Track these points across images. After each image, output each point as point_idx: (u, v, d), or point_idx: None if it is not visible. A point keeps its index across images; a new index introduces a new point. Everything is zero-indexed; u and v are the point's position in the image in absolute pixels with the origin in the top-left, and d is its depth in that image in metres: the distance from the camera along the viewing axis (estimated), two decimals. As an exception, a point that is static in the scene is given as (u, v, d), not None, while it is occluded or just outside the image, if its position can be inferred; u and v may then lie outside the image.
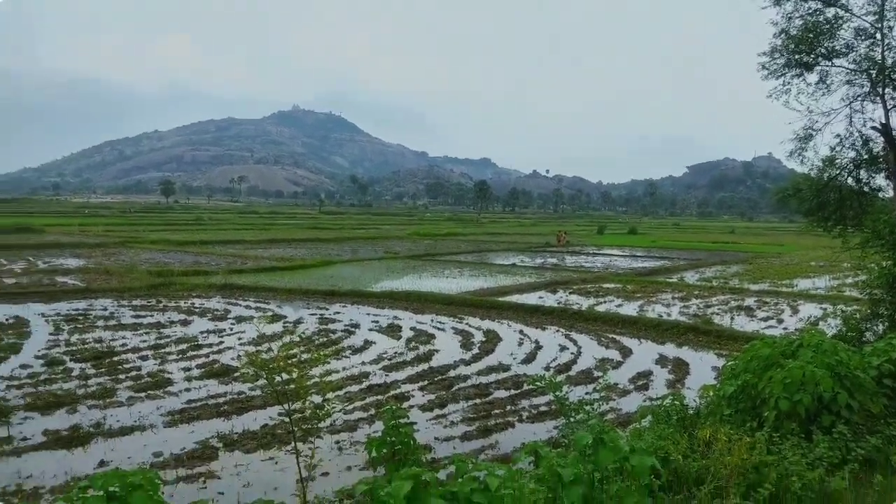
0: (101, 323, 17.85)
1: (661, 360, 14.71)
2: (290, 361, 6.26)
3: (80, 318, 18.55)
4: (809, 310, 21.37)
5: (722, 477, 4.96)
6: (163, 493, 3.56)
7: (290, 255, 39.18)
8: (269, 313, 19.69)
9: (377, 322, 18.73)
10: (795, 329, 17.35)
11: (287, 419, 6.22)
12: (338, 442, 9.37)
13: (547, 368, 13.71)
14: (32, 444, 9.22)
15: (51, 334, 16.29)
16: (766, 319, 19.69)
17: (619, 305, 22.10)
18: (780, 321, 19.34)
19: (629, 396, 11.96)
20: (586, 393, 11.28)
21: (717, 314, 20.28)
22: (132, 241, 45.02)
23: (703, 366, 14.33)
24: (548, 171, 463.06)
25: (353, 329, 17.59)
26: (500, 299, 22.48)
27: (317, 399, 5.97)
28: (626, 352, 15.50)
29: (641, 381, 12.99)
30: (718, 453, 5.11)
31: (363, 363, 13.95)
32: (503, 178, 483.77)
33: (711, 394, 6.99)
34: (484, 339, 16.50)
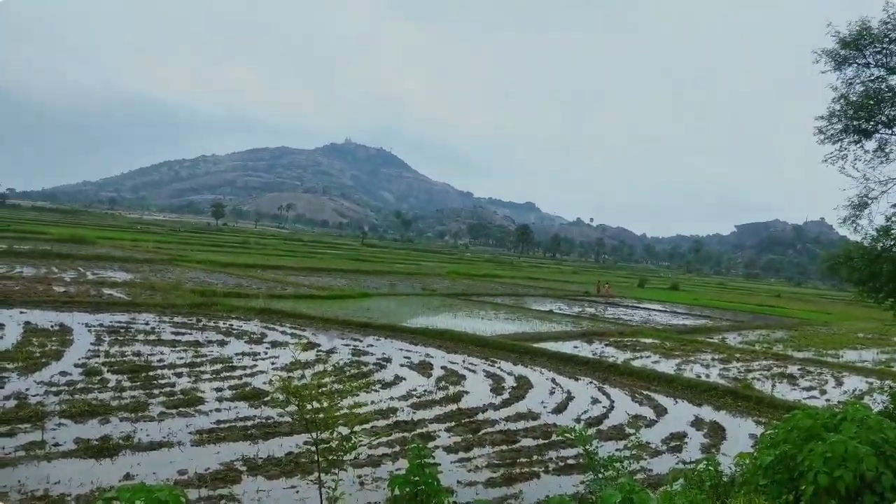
0: (141, 337, 18.23)
1: (697, 423, 14.29)
2: (321, 390, 6.28)
3: (122, 330, 18.97)
4: (854, 383, 20.57)
5: (754, 551, 4.74)
6: (184, 511, 3.58)
7: (330, 284, 39.58)
8: (304, 340, 19.86)
9: (409, 358, 18.70)
10: (839, 402, 16.71)
11: (313, 448, 6.20)
12: (360, 476, 9.30)
13: (578, 420, 13.44)
14: (63, 451, 9.38)
15: (92, 344, 16.69)
16: (808, 389, 19.02)
17: (656, 362, 21.65)
18: (824, 392, 18.66)
19: (661, 457, 11.61)
20: (617, 449, 10.99)
21: (758, 379, 19.67)
22: (179, 259, 46.13)
23: (741, 432, 13.86)
24: (591, 220, 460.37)
25: (384, 363, 17.58)
26: (535, 345, 22.25)
27: (344, 431, 5.95)
28: (660, 410, 15.11)
29: (675, 442, 12.61)
30: (751, 525, 4.90)
31: (392, 398, 13.90)
32: (546, 224, 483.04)
33: (747, 462, 6.74)
34: (515, 385, 16.30)
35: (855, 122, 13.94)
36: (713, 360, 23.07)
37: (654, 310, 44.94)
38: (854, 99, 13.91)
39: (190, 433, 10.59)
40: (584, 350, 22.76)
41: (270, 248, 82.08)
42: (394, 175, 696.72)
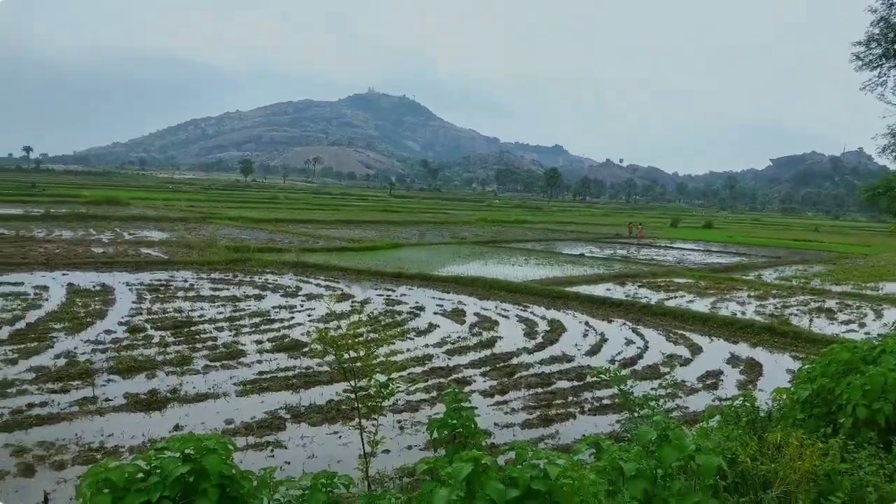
0: (181, 294, 18.67)
1: (733, 360, 14.28)
2: (357, 340, 6.40)
3: (162, 288, 19.45)
4: (894, 315, 20.24)
5: (791, 482, 4.79)
6: (233, 458, 3.72)
7: (360, 236, 39.88)
8: (339, 292, 20.15)
9: (442, 306, 18.89)
10: (878, 335, 16.49)
11: (353, 395, 6.36)
12: (399, 421, 9.54)
13: (612, 361, 13.52)
14: (114, 406, 9.77)
15: (133, 303, 17.16)
16: (847, 323, 18.79)
17: (691, 301, 21.56)
18: (863, 325, 18.43)
19: (697, 395, 11.67)
20: (652, 389, 11.04)
21: (796, 315, 19.49)
22: (212, 217, 46.78)
23: (778, 368, 13.82)
24: (621, 161, 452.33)
25: (418, 312, 17.79)
26: (567, 289, 22.28)
27: (381, 378, 6.09)
28: (695, 349, 15.11)
29: (711, 380, 12.64)
30: (789, 458, 4.94)
31: (427, 346, 14.11)
32: (575, 167, 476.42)
33: (784, 397, 6.74)
34: (548, 329, 16.40)
35: (895, 46, 13.33)
36: (749, 297, 22.87)
37: (687, 249, 44.47)
38: (895, 21, 13.27)
39: (234, 384, 10.92)
40: (617, 292, 22.71)
41: (300, 202, 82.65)
42: (418, 123, 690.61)
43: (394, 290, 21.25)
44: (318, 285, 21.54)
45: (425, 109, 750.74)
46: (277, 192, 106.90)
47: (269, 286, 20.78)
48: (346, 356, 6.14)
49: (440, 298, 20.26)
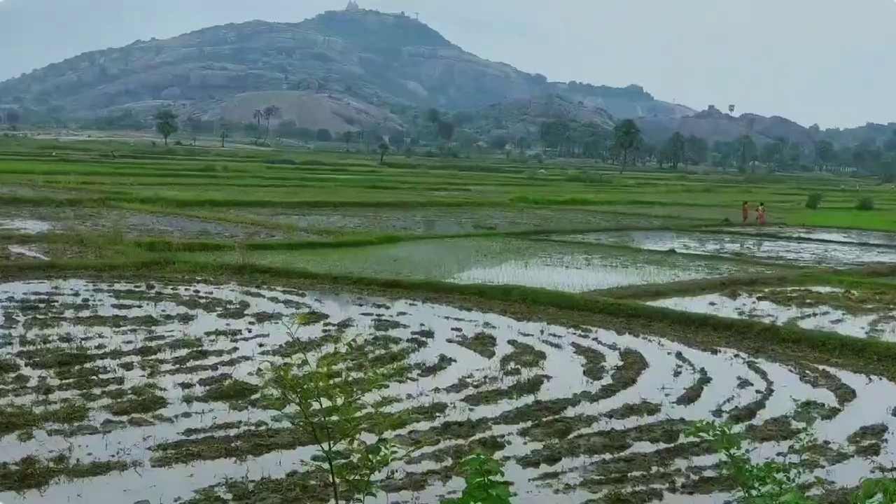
0: (70, 314, 18.84)
1: (903, 410, 14.19)
2: (333, 382, 6.41)
3: (42, 305, 19.62)
4: None
5: None
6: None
7: (338, 225, 40.04)
8: (305, 310, 20.24)
9: (460, 329, 18.93)
10: None
11: (326, 465, 6.38)
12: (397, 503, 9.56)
13: (718, 413, 13.49)
14: (-29, 481, 9.83)
15: (0, 327, 17.31)
16: None
17: (838, 321, 21.50)
18: None
19: (848, 463, 11.61)
20: (779, 453, 11.03)
21: None
22: (116, 199, 47.18)
23: (973, 422, 13.70)
24: (732, 109, 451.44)
25: (424, 339, 17.85)
26: (649, 304, 22.29)
27: (370, 439, 6.10)
28: (845, 394, 15.02)
29: (868, 440, 12.56)
30: None
31: (437, 390, 14.15)
32: (661, 118, 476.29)
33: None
34: (620, 364, 16.39)
35: None
36: (927, 314, 22.69)
37: (832, 242, 44.26)
38: None
39: (150, 449, 11.00)
40: (726, 308, 22.67)
41: (247, 175, 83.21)
42: (424, 55, 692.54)
43: (388, 307, 21.30)
44: (273, 300, 21.63)
45: (435, 34, 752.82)
46: (213, 161, 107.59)
47: (202, 301, 20.89)
48: (315, 406, 6.14)
49: (457, 318, 20.31)
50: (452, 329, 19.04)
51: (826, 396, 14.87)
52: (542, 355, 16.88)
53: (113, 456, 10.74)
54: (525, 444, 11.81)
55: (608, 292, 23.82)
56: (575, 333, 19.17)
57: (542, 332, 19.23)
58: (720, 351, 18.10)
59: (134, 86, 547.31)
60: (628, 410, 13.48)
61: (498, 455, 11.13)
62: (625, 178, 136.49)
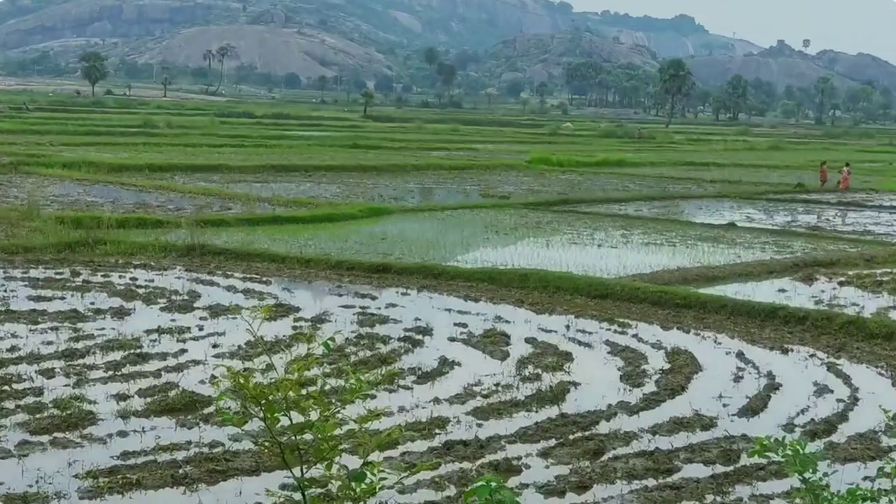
0: (-26, 308, 18.85)
1: None
2: (306, 392, 6.44)
3: (-60, 298, 19.64)
4: None
5: None
6: None
7: (309, 194, 39.97)
8: (270, 301, 20.25)
9: (465, 326, 18.97)
10: None
11: (298, 496, 6.42)
12: (388, 544, 9.62)
13: (789, 428, 13.52)
14: None
15: None
16: None
17: (939, 312, 21.41)
18: None
19: (951, 489, 11.62)
20: (865, 478, 11.08)
21: None
22: (31, 163, 47.05)
23: None
24: (806, 45, 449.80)
25: (419, 337, 17.92)
26: (703, 291, 22.29)
27: (352, 463, 6.14)
28: (948, 402, 15.05)
29: (976, 460, 12.57)
30: None
31: (437, 401, 14.19)
32: (717, 57, 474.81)
33: None
34: (667, 367, 16.44)
35: None
36: None
37: (932, 213, 44.13)
38: None
39: (76, 477, 11.04)
40: (800, 295, 22.63)
41: (196, 132, 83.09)
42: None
43: (374, 298, 21.35)
44: (230, 289, 21.68)
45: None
46: (153, 115, 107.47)
47: (140, 292, 20.94)
48: (284, 422, 6.17)
49: (461, 311, 20.34)
50: (455, 324, 19.03)
51: (924, 406, 14.91)
52: (567, 357, 16.88)
53: (31, 486, 10.74)
54: (547, 467, 11.84)
55: (651, 277, 23.80)
56: (609, 329, 19.17)
57: (567, 327, 19.22)
58: (792, 350, 18.08)
59: (52, 20, 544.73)
60: (676, 425, 13.49)
61: (513, 482, 11.17)
62: (671, 132, 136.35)
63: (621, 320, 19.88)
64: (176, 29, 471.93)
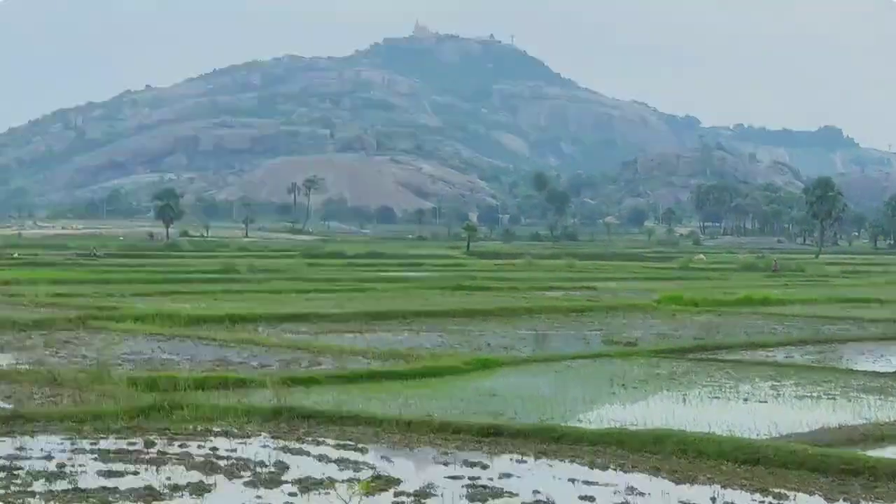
0: (39, 486, 19.03)
1: None
2: None
3: (2, 474, 19.91)
4: None
5: None
6: None
7: (409, 345, 39.97)
8: (368, 473, 20.23)
9: (592, 500, 18.70)
10: None
11: None
12: None
13: None
14: None
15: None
16: None
17: None
18: None
19: None
20: None
21: None
22: (101, 317, 47.93)
23: None
24: None
25: (540, 517, 17.68)
26: (871, 454, 21.71)
27: None
28: None
29: None
30: None
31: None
32: (870, 174, 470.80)
33: None
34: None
35: None
36: None
37: None
38: None
39: None
40: None
41: (281, 276, 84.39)
42: (524, 95, 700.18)
43: (485, 466, 21.18)
44: (322, 458, 21.66)
45: (537, 64, 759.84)
46: (234, 258, 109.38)
47: (221, 464, 21.02)
48: None
49: (587, 482, 20.01)
50: (581, 498, 18.77)
51: None
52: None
53: None
54: None
55: (809, 437, 23.27)
56: (763, 502, 18.78)
57: (713, 500, 18.87)
58: None
59: (123, 155, 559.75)
60: None
61: None
62: (823, 263, 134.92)
63: (777, 490, 19.42)
64: (257, 161, 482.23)
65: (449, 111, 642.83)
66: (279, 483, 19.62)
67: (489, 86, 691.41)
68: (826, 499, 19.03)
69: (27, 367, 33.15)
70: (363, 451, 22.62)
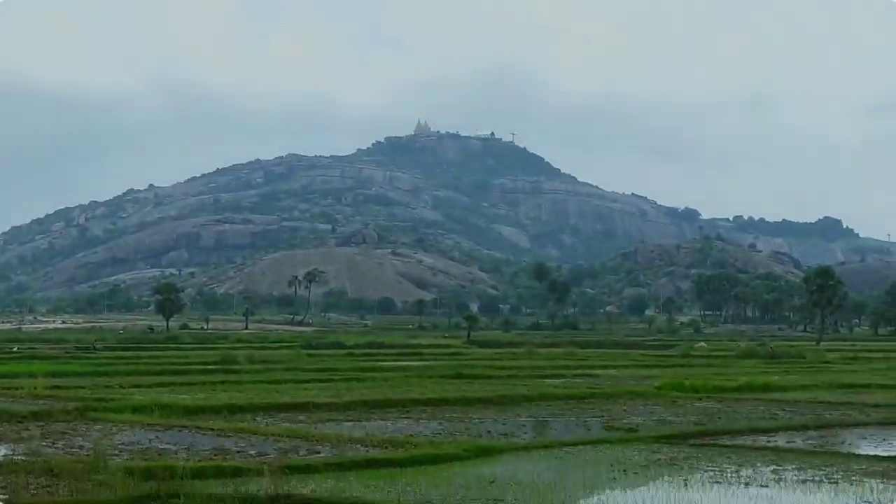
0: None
1: None
2: None
3: (-6, 563, 19.76)
4: None
5: None
6: None
7: (408, 433, 39.85)
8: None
9: None
10: None
11: None
12: None
13: None
14: None
15: None
16: None
17: None
18: None
19: None
20: None
21: None
22: (98, 408, 47.78)
23: None
24: None
25: None
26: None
27: None
28: None
29: None
30: None
31: None
32: (870, 263, 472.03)
33: None
34: None
35: None
36: None
37: None
38: None
39: None
40: None
41: (280, 366, 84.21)
42: (524, 190, 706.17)
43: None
44: (319, 547, 21.49)
45: (537, 160, 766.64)
46: (233, 349, 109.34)
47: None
48: None
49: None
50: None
51: None
52: None
53: None
54: None
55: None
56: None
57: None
58: None
59: (124, 252, 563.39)
60: None
61: None
62: (824, 349, 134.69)
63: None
64: (258, 255, 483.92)
65: (450, 206, 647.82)
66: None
67: (490, 181, 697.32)
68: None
69: (22, 458, 33.01)
70: (362, 541, 22.57)
